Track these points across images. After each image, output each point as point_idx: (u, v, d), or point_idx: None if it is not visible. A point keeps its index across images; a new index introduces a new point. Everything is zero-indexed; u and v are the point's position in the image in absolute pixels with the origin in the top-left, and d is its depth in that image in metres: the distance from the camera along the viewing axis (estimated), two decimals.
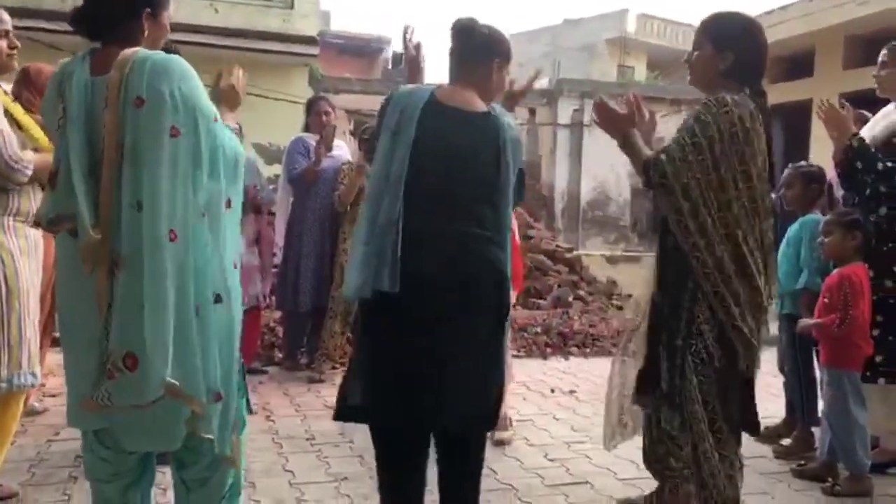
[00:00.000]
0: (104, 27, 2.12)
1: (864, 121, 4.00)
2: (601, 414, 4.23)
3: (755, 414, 2.56)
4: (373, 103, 13.89)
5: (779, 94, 9.71)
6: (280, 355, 5.74)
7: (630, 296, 7.89)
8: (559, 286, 8.32)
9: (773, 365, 4.44)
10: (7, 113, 2.80)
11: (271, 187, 5.98)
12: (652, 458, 2.71)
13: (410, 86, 2.63)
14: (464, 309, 2.32)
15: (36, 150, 2.87)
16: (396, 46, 23.55)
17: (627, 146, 2.47)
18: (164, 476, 2.71)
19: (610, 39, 25.89)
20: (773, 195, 2.57)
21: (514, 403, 4.47)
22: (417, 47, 2.95)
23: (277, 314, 6.13)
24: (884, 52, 3.67)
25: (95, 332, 2.01)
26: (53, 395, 4.40)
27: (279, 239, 5.58)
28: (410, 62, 2.96)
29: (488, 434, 2.96)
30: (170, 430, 2.07)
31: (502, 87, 2.72)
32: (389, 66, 23.12)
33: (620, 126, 2.49)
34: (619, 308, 8.03)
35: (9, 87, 3.45)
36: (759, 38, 2.57)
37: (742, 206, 2.38)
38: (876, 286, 3.43)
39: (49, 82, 2.14)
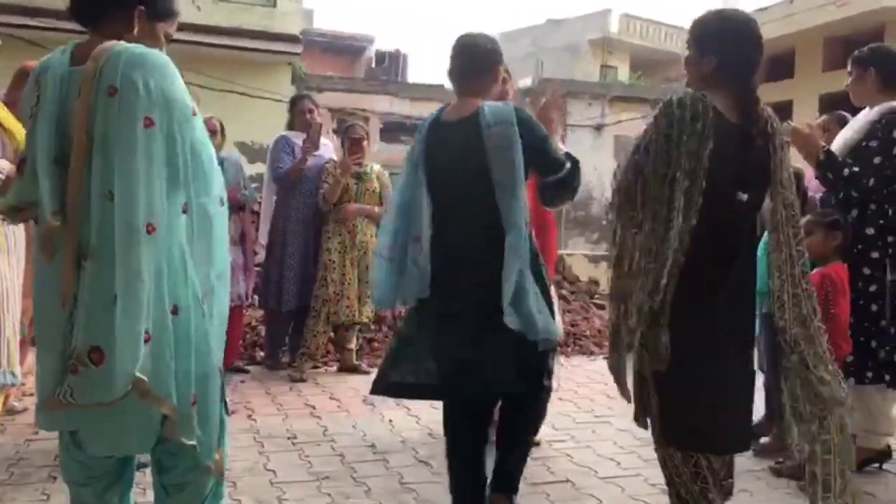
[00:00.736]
0: (93, 15, 2.11)
1: (843, 122, 4.05)
2: (583, 412, 4.24)
3: (713, 425, 2.41)
4: (356, 101, 13.97)
5: (759, 95, 9.79)
6: (262, 354, 5.72)
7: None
8: None
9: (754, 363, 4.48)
10: None
11: (254, 185, 5.96)
12: None
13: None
14: (479, 305, 2.65)
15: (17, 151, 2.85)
16: (379, 45, 23.57)
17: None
18: (145, 476, 2.70)
19: (593, 40, 26.00)
20: (743, 196, 2.50)
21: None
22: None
23: (260, 313, 6.11)
24: (849, 62, 3.74)
25: (60, 326, 1.98)
26: (33, 395, 4.37)
27: (262, 237, 5.56)
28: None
29: None
30: (140, 433, 2.03)
31: (507, 88, 2.87)
32: (373, 65, 23.12)
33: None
34: (601, 307, 8.06)
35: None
36: (746, 39, 2.52)
37: (670, 207, 2.30)
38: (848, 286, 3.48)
39: (30, 75, 2.12)
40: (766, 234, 3.92)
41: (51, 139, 2.00)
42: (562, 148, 2.86)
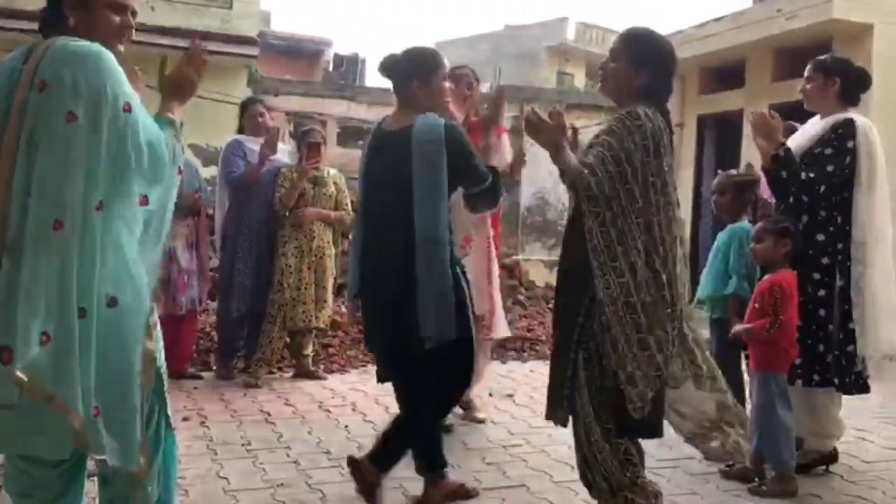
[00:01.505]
0: (46, 23, 2.12)
1: (792, 131, 4.14)
2: (538, 416, 4.26)
3: (658, 417, 2.56)
4: (313, 105, 13.86)
5: (711, 104, 9.95)
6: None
7: None
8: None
9: None
10: None
11: (209, 189, 5.90)
12: None
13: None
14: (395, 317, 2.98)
15: None
16: (337, 48, 23.47)
17: (559, 157, 2.50)
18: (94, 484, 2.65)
19: (550, 47, 26.20)
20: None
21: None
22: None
23: (213, 318, 6.04)
24: (809, 66, 3.81)
25: None
26: None
27: (217, 242, 5.51)
28: None
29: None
30: (56, 435, 1.94)
31: (441, 97, 3.06)
32: (330, 68, 23.00)
33: (553, 137, 2.52)
34: None
35: None
36: (673, 61, 2.65)
37: (655, 217, 2.44)
38: (798, 292, 3.55)
39: None
40: (717, 242, 4.02)
41: None
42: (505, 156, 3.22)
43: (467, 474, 3.56)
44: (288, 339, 5.40)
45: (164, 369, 2.20)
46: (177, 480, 2.38)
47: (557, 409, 2.64)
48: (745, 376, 3.91)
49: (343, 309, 7.56)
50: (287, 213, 5.20)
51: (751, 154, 3.81)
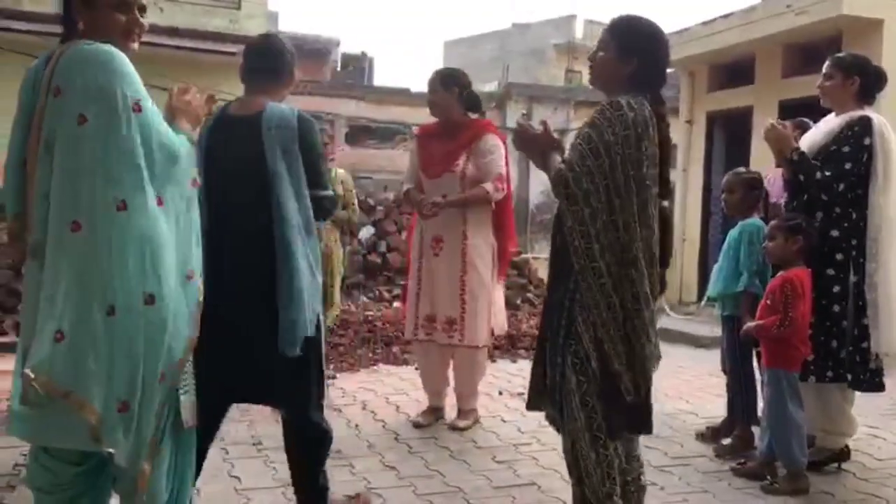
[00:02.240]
0: (65, 30, 2.15)
1: (805, 128, 4.13)
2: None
3: (647, 414, 2.49)
4: (322, 105, 13.89)
5: (720, 101, 9.91)
6: None
7: None
8: (508, 289, 8.38)
9: (715, 365, 4.54)
10: None
11: None
12: None
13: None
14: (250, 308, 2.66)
15: None
16: (345, 47, 23.49)
17: (545, 164, 2.47)
18: None
19: (558, 44, 26.17)
20: (665, 203, 2.54)
21: (451, 399, 4.48)
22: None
23: None
24: (828, 63, 3.79)
25: (29, 321, 1.99)
26: None
27: None
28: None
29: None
30: (73, 425, 1.97)
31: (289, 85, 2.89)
32: (338, 68, 23.03)
33: (540, 146, 2.49)
34: None
35: None
36: (663, 47, 2.57)
37: (631, 213, 2.36)
38: (812, 288, 3.54)
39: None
40: (728, 239, 4.01)
41: (19, 143, 2.02)
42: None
43: (478, 473, 3.56)
44: None
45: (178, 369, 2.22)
46: (193, 482, 2.38)
47: (536, 398, 2.62)
48: (758, 374, 3.90)
49: (352, 308, 7.58)
50: None
51: (760, 150, 3.80)
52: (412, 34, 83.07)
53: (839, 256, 3.62)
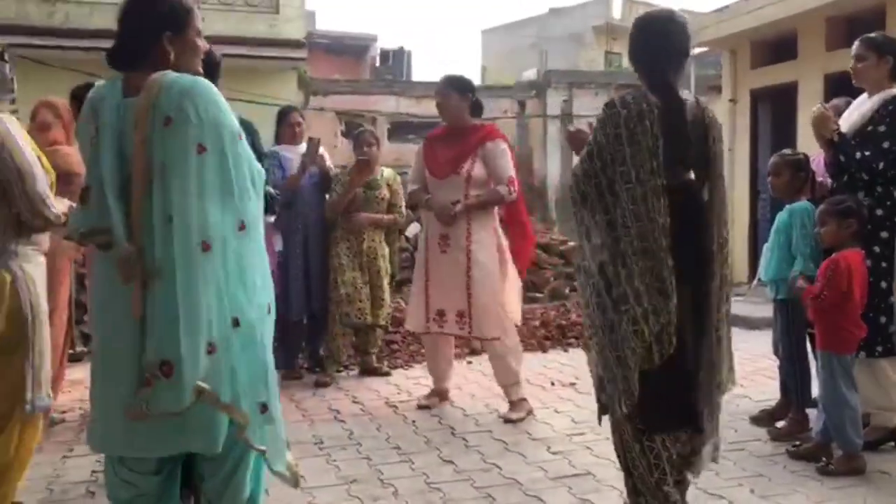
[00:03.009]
0: (132, 58, 2.23)
1: (847, 104, 4.12)
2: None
3: (690, 407, 2.54)
4: (362, 103, 14.02)
5: (764, 77, 9.78)
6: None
7: None
8: (555, 279, 8.41)
9: (767, 347, 4.54)
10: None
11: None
12: None
13: None
14: None
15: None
16: (383, 42, 23.61)
17: None
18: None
19: (596, 27, 25.93)
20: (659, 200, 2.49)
21: (503, 391, 4.59)
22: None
23: None
24: (857, 45, 3.81)
25: (131, 344, 2.11)
26: (64, 412, 4.48)
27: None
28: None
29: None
30: (209, 430, 2.15)
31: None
32: (377, 63, 23.15)
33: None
34: None
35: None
36: (645, 33, 2.63)
37: (622, 209, 2.41)
38: None
39: (84, 104, 2.26)
40: (777, 222, 4.00)
41: (114, 170, 2.14)
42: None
43: (534, 464, 3.64)
44: (353, 338, 5.52)
45: None
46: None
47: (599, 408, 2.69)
48: (811, 356, 3.91)
49: (403, 305, 7.69)
50: (337, 219, 5.31)
51: (807, 127, 3.80)
52: (449, 24, 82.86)
53: (884, 234, 3.67)
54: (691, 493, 2.73)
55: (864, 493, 3.24)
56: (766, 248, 4.12)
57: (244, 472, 2.34)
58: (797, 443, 3.74)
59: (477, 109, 4.62)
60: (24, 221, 2.73)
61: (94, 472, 3.56)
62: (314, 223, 5.40)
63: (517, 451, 3.84)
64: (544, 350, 6.37)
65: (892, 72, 3.74)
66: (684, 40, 2.63)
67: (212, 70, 3.79)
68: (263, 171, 2.33)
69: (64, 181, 3.33)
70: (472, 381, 4.96)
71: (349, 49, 22.50)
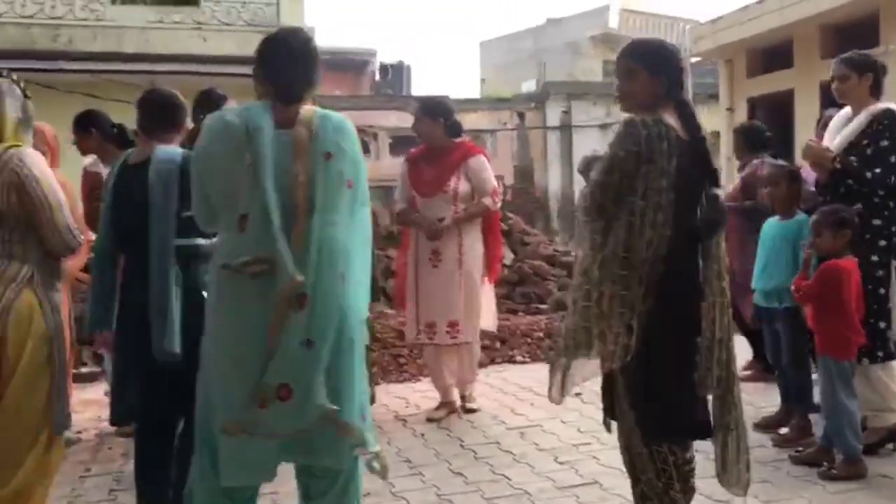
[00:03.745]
0: (301, 95, 2.42)
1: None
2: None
3: (693, 414, 2.61)
4: (363, 118, 14.13)
5: (760, 85, 9.91)
6: None
7: None
8: (558, 290, 8.48)
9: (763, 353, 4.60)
10: None
11: None
12: None
13: None
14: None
15: None
16: (382, 57, 23.74)
17: None
18: None
19: (594, 36, 26.07)
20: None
21: (511, 403, 4.82)
22: None
23: None
24: (836, 65, 3.96)
25: (254, 365, 2.22)
26: (79, 432, 4.56)
27: None
28: None
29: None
30: (339, 449, 2.35)
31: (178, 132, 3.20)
32: (377, 78, 23.29)
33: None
34: None
35: None
36: (679, 61, 2.77)
37: (632, 220, 2.49)
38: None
39: (225, 129, 2.35)
40: (781, 232, 4.06)
41: (276, 198, 2.25)
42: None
43: (542, 474, 3.71)
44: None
45: None
46: None
47: (606, 415, 2.78)
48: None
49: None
50: None
51: (804, 134, 3.93)
52: (447, 37, 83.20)
53: (882, 243, 3.77)
54: (697, 499, 2.81)
55: (865, 497, 3.32)
56: (763, 260, 4.18)
57: (355, 486, 2.51)
58: (800, 448, 3.81)
59: (455, 129, 4.83)
60: (50, 249, 2.81)
61: (112, 490, 3.64)
62: None
63: (525, 461, 3.91)
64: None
65: (872, 88, 3.87)
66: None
67: (220, 103, 3.99)
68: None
69: None
70: (478, 394, 5.02)
71: (349, 64, 22.65)
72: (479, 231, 4.79)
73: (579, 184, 11.63)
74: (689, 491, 2.69)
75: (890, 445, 3.80)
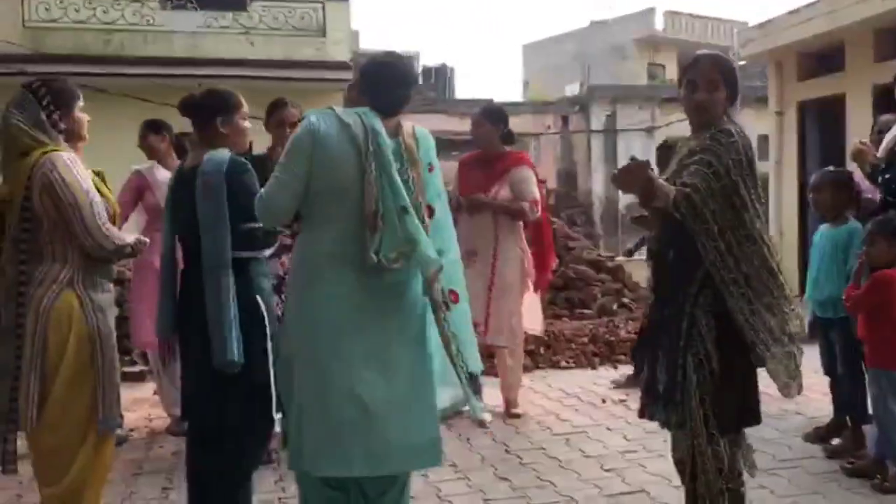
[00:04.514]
0: (401, 107, 2.66)
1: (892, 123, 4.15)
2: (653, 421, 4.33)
3: (756, 403, 2.68)
4: (405, 121, 14.14)
5: (811, 89, 9.72)
6: None
7: None
8: (603, 295, 8.43)
9: (817, 362, 4.53)
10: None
11: None
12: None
13: None
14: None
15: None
16: (425, 60, 23.80)
17: (655, 197, 2.59)
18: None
19: (638, 39, 25.88)
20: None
21: (556, 409, 4.79)
22: None
23: None
24: None
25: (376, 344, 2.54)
26: (131, 430, 4.66)
27: None
28: None
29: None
30: (436, 445, 2.66)
31: (240, 135, 3.11)
32: (420, 81, 23.37)
33: (638, 178, 2.61)
34: None
35: None
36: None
37: (757, 225, 2.60)
38: None
39: (343, 128, 2.51)
40: (831, 240, 4.01)
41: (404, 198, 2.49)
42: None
43: (588, 482, 3.70)
44: None
45: None
46: None
47: (652, 407, 2.76)
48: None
49: None
50: None
51: (855, 139, 3.89)
52: (491, 39, 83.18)
53: None
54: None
55: None
56: (815, 268, 4.13)
57: (409, 486, 2.73)
58: (852, 460, 3.75)
59: (509, 138, 4.96)
60: (85, 250, 2.87)
61: (164, 488, 3.71)
62: None
63: (571, 468, 3.91)
64: (593, 367, 6.40)
65: None
66: None
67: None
68: None
69: None
70: (523, 400, 5.02)
71: None
72: (518, 237, 4.87)
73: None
74: (740, 499, 2.69)
75: None
